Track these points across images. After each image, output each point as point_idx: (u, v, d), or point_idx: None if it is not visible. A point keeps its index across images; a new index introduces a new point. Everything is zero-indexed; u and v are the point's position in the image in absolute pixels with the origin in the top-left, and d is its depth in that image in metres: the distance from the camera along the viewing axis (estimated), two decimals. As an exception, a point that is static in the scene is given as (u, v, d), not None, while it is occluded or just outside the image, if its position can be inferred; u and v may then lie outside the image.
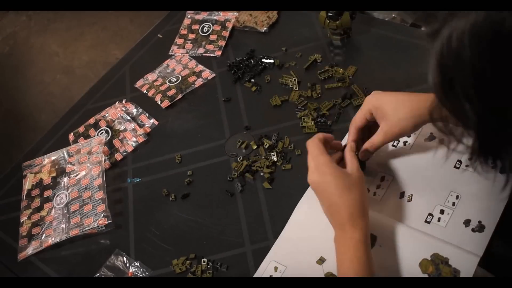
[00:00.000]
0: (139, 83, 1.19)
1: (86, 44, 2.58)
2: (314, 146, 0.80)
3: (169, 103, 1.12)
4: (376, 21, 1.24)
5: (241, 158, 0.99)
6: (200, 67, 1.18)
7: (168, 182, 1.01)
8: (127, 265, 0.90)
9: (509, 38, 0.47)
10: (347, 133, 0.88)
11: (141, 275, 0.89)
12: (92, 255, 0.94)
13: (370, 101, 0.84)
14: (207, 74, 1.16)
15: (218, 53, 1.20)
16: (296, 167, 0.96)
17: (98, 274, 0.90)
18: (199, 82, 1.15)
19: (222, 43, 1.22)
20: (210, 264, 0.88)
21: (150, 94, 1.15)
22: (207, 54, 1.21)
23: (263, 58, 1.14)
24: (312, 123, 1.00)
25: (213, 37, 1.23)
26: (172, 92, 1.13)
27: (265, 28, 1.21)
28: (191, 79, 1.16)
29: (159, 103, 1.13)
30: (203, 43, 1.23)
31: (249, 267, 0.86)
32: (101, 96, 1.20)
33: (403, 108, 0.81)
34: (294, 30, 1.21)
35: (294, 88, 1.07)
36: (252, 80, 1.12)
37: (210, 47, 1.22)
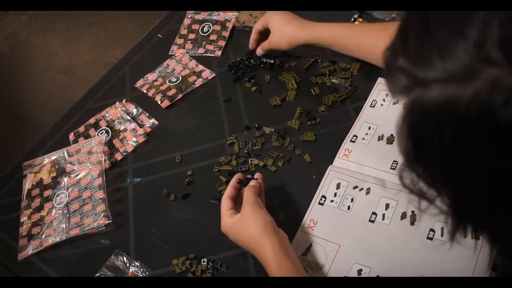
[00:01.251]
0: (139, 83, 1.19)
1: (86, 44, 2.58)
2: (221, 209, 0.87)
3: (169, 103, 1.12)
4: (376, 21, 1.24)
5: (235, 157, 0.99)
6: (200, 67, 1.18)
7: (168, 182, 1.01)
8: (127, 265, 0.90)
9: (500, 129, 0.41)
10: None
11: (141, 275, 0.89)
12: (92, 255, 0.94)
13: (266, 15, 1.09)
14: (207, 74, 1.16)
15: (218, 53, 1.20)
16: (296, 167, 0.96)
17: (98, 274, 0.90)
18: (199, 82, 1.15)
19: (222, 43, 1.22)
20: (210, 264, 0.88)
21: (150, 94, 1.15)
22: (207, 54, 1.21)
23: (263, 58, 1.14)
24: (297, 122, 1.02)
25: (213, 37, 1.23)
26: (172, 92, 1.13)
27: (265, 28, 1.21)
28: (191, 79, 1.15)
29: (159, 103, 1.13)
30: (203, 43, 1.23)
31: (249, 267, 0.86)
32: (101, 96, 1.19)
33: (285, 28, 1.05)
34: (294, 30, 1.20)
35: (292, 87, 1.07)
36: (252, 80, 1.12)
37: (210, 47, 1.22)
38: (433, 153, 0.46)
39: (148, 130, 1.10)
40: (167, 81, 1.16)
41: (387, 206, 0.87)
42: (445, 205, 0.50)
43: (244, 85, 1.12)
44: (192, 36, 1.25)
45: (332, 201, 0.90)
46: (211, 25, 1.25)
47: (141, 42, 1.29)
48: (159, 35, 1.29)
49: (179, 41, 1.25)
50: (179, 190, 0.98)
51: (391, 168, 0.91)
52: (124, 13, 2.61)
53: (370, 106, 1.01)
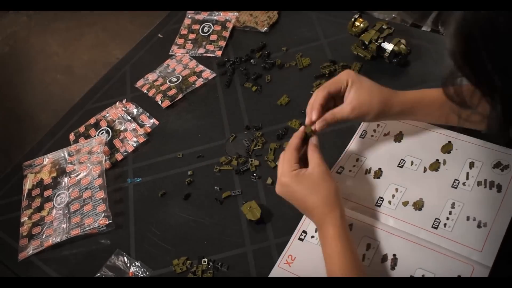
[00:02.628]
0: (139, 83, 1.19)
1: (86, 44, 2.58)
2: (283, 153, 0.82)
3: (170, 103, 1.12)
4: (377, 21, 1.23)
5: (235, 157, 0.99)
6: (201, 67, 1.18)
7: (168, 182, 1.01)
8: (128, 265, 0.90)
9: None
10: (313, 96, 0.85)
11: (141, 275, 0.89)
12: (93, 255, 0.94)
13: (351, 74, 0.84)
14: (208, 74, 1.16)
15: (219, 53, 1.20)
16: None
17: (98, 274, 0.90)
18: (199, 82, 1.15)
19: (222, 43, 1.22)
20: (211, 264, 0.88)
21: (150, 94, 1.15)
22: (208, 54, 1.21)
23: (264, 58, 1.14)
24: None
25: (213, 37, 1.23)
26: (172, 92, 1.13)
27: (265, 28, 1.21)
28: (191, 79, 1.16)
29: (160, 103, 1.13)
30: (204, 43, 1.23)
31: (250, 267, 0.86)
32: (101, 96, 1.19)
33: (376, 92, 0.84)
34: (294, 30, 1.21)
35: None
36: (253, 77, 1.12)
37: (211, 47, 1.22)
38: (483, 47, 0.48)
39: (149, 130, 1.10)
40: (167, 81, 1.16)
41: (368, 246, 0.82)
42: (490, 106, 0.52)
43: (244, 86, 1.12)
44: (192, 36, 1.25)
45: (312, 237, 0.86)
46: (212, 25, 1.25)
47: (141, 42, 1.29)
48: (159, 35, 1.29)
49: (179, 41, 1.25)
50: (179, 190, 0.98)
51: (376, 205, 0.86)
52: (124, 13, 2.61)
53: (359, 136, 0.96)
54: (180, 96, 1.13)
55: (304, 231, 0.87)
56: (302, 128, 0.84)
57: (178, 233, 0.93)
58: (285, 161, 0.81)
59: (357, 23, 1.07)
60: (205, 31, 1.25)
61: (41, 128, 2.09)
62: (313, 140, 0.84)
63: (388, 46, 1.05)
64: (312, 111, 0.84)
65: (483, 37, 0.49)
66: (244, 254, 0.88)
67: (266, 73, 1.13)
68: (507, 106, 0.52)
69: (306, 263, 0.84)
